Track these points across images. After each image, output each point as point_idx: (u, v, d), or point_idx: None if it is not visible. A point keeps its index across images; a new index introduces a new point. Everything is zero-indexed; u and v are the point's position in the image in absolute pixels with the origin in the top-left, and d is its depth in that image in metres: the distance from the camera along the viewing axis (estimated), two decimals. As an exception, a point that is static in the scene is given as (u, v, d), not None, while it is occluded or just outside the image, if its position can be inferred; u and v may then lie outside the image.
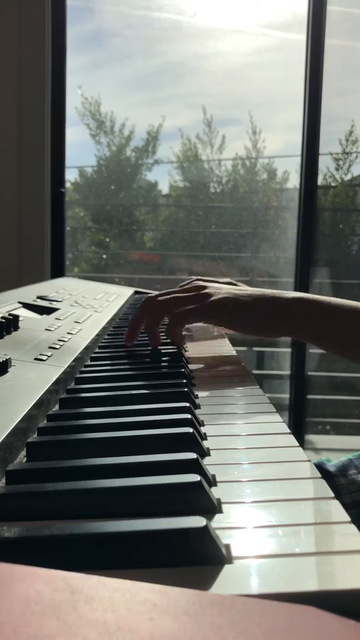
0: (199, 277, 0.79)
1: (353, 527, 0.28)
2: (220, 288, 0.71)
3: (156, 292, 0.75)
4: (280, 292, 0.68)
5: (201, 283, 0.74)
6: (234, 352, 0.77)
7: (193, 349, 0.78)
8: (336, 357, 0.72)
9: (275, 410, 0.50)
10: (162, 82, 2.40)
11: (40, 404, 0.44)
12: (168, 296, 0.71)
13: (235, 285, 0.89)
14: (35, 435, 0.41)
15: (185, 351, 0.75)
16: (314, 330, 0.67)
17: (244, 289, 0.71)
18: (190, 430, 0.39)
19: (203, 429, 0.44)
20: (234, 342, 0.85)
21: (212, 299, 0.68)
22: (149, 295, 0.74)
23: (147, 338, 0.71)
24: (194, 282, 0.76)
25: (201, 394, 0.55)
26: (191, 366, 0.67)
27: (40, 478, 0.34)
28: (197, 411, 0.48)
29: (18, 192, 1.84)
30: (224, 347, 0.80)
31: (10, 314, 0.65)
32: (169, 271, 2.36)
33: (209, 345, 0.83)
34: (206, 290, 0.70)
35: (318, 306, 0.66)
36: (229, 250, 2.29)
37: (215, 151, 2.33)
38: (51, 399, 0.48)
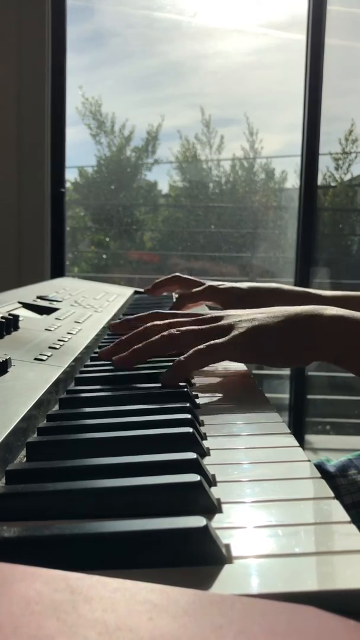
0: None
1: (353, 527, 0.28)
2: (239, 316, 0.58)
3: (166, 312, 0.65)
4: (315, 309, 0.56)
5: (216, 313, 0.61)
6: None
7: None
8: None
9: (275, 410, 0.50)
10: (162, 82, 2.40)
11: (40, 404, 0.44)
12: (182, 328, 0.58)
13: (236, 288, 0.83)
14: (35, 435, 0.41)
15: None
16: (348, 349, 0.54)
17: (268, 312, 0.58)
18: (190, 430, 0.39)
19: (203, 429, 0.44)
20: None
21: (237, 332, 0.55)
22: (156, 312, 0.64)
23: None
24: (201, 316, 0.62)
25: (201, 393, 0.55)
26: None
27: (40, 478, 0.34)
28: (197, 411, 0.48)
29: (18, 192, 1.84)
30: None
31: (10, 314, 0.65)
32: (169, 271, 2.36)
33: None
34: (220, 324, 0.58)
35: (356, 324, 0.54)
36: (228, 250, 2.29)
37: (214, 151, 2.33)
38: (51, 399, 0.48)
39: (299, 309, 0.56)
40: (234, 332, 0.55)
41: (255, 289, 0.84)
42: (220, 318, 0.59)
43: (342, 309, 0.55)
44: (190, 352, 0.55)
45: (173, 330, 0.57)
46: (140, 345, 0.58)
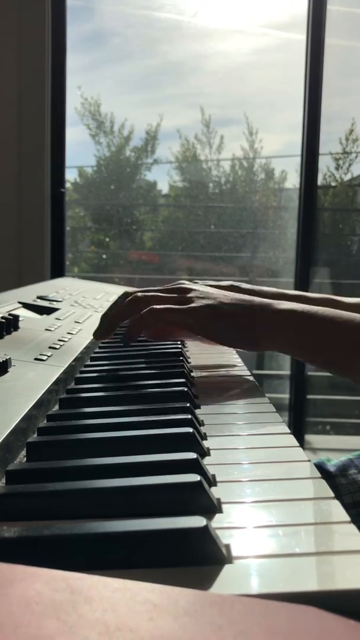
0: (183, 282, 0.73)
1: (353, 527, 0.28)
2: (206, 294, 0.63)
3: (136, 289, 0.69)
4: (273, 303, 0.61)
5: (186, 285, 0.67)
6: (234, 352, 0.77)
7: (192, 349, 0.78)
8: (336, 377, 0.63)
9: (275, 410, 0.50)
10: (162, 82, 2.40)
11: (40, 404, 0.44)
12: (148, 293, 0.64)
13: (236, 287, 0.83)
14: (35, 435, 0.41)
15: (186, 350, 0.75)
16: (308, 347, 0.59)
17: (232, 296, 0.63)
18: (190, 430, 0.39)
19: (203, 429, 0.44)
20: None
21: (194, 305, 0.60)
22: (127, 290, 0.68)
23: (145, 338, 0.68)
24: (180, 283, 0.68)
25: (201, 394, 0.55)
26: (191, 365, 0.67)
27: (40, 478, 0.34)
28: (197, 411, 0.48)
29: (18, 192, 1.84)
30: (223, 348, 0.80)
31: (10, 314, 0.65)
32: (169, 271, 2.36)
33: (208, 345, 0.83)
34: (190, 295, 0.63)
35: (314, 320, 0.58)
36: (228, 250, 2.29)
37: (214, 151, 2.33)
38: (51, 399, 0.48)
39: (256, 299, 0.62)
40: (193, 304, 0.61)
41: (257, 292, 0.84)
42: (188, 290, 0.64)
43: (298, 304, 0.61)
44: (146, 309, 0.61)
45: (141, 294, 0.65)
46: (131, 328, 0.64)
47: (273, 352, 0.64)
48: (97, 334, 0.66)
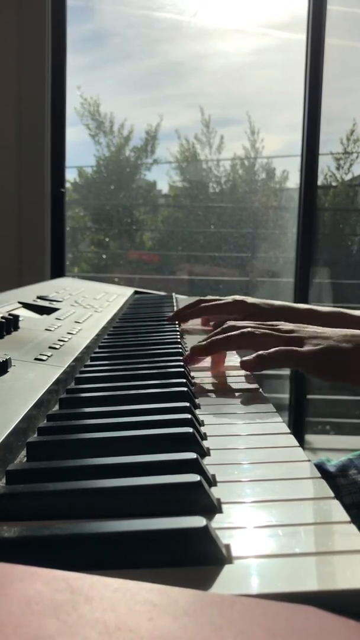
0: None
1: (353, 527, 0.28)
2: (313, 333, 0.61)
3: (245, 323, 0.66)
4: None
5: (287, 326, 0.64)
6: (234, 353, 0.77)
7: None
8: None
9: (275, 410, 0.50)
10: (162, 82, 2.40)
11: (40, 404, 0.44)
12: (256, 330, 0.62)
13: (240, 302, 0.83)
14: (35, 435, 0.41)
15: (186, 350, 0.75)
16: None
17: (338, 332, 0.61)
18: (190, 430, 0.39)
19: (203, 429, 0.44)
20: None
21: (311, 348, 0.58)
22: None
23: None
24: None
25: (200, 393, 0.55)
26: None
27: (40, 478, 0.34)
28: (197, 411, 0.48)
29: (18, 192, 1.84)
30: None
31: (10, 314, 0.65)
32: (169, 271, 2.36)
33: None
34: (298, 335, 0.61)
35: None
36: (229, 250, 2.29)
37: (214, 151, 2.33)
38: (51, 399, 0.48)
39: (357, 332, 0.60)
40: (310, 347, 0.58)
41: (288, 307, 0.84)
42: (296, 330, 0.62)
43: None
44: (273, 350, 0.58)
45: (252, 329, 0.62)
46: (219, 337, 0.63)
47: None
48: (190, 361, 0.65)
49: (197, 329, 0.91)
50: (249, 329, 0.63)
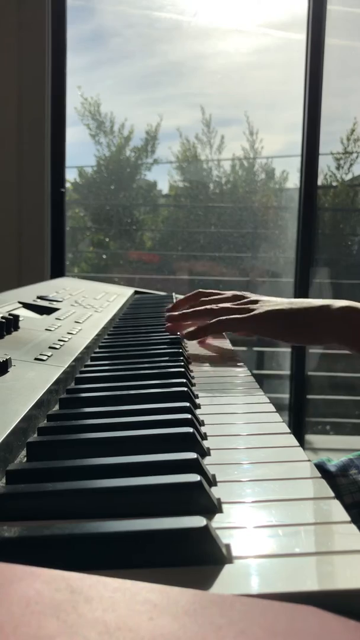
0: (246, 293, 0.83)
1: (353, 527, 0.28)
2: (270, 301, 0.74)
3: (209, 291, 0.83)
4: (327, 301, 0.69)
5: (249, 295, 0.78)
6: (235, 353, 0.77)
7: (192, 349, 0.78)
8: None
9: (275, 410, 0.50)
10: (162, 82, 2.40)
11: (40, 404, 0.44)
12: (220, 305, 0.76)
13: (240, 296, 0.94)
14: (36, 435, 0.41)
15: (186, 350, 0.75)
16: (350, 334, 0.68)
17: (289, 301, 0.73)
18: (191, 430, 0.39)
19: (203, 429, 0.44)
20: (235, 343, 0.84)
21: (257, 311, 0.71)
22: (202, 290, 0.82)
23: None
24: (242, 294, 0.80)
25: (201, 393, 0.55)
26: (191, 366, 0.67)
27: (40, 478, 0.34)
28: (197, 411, 0.48)
29: (18, 191, 1.84)
30: (224, 346, 0.80)
31: (10, 314, 0.65)
32: (169, 271, 2.36)
33: (209, 344, 0.83)
34: (255, 305, 0.73)
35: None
36: (229, 250, 2.29)
37: (215, 151, 2.33)
38: (51, 399, 0.48)
39: (317, 300, 0.71)
40: (257, 311, 0.71)
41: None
42: (254, 301, 0.75)
43: (355, 302, 0.68)
44: (214, 320, 0.73)
45: (213, 305, 0.77)
46: (188, 310, 0.80)
47: (279, 344, 0.76)
48: (170, 327, 0.78)
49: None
50: (209, 306, 0.77)
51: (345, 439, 2.45)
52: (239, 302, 0.77)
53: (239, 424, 0.46)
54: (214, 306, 0.76)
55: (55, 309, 0.82)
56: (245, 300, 0.77)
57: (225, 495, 0.32)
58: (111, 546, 0.25)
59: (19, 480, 0.34)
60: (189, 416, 0.42)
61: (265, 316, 0.70)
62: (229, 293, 0.90)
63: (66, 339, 0.65)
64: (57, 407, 0.49)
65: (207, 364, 0.69)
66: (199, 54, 2.25)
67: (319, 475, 0.35)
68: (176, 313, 0.79)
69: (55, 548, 0.26)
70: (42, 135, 1.85)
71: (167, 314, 0.81)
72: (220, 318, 0.72)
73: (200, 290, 0.85)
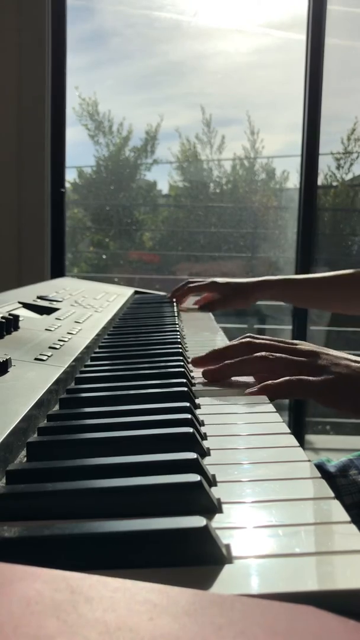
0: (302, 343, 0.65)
1: (353, 527, 0.28)
2: (329, 360, 0.58)
3: (260, 341, 0.63)
4: None
5: (306, 346, 0.62)
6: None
7: (192, 349, 0.78)
8: None
9: (275, 410, 0.50)
10: (162, 82, 2.40)
11: (40, 404, 0.44)
12: (275, 352, 0.59)
13: (214, 282, 1.04)
14: (36, 435, 0.41)
15: (186, 350, 0.75)
16: None
17: (355, 359, 0.59)
18: (191, 430, 0.39)
19: (203, 429, 0.44)
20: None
21: (323, 378, 0.55)
22: (252, 341, 0.63)
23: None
24: (296, 344, 0.62)
25: (201, 393, 0.55)
26: (191, 366, 0.67)
27: (40, 478, 0.34)
28: (197, 411, 0.48)
29: (18, 192, 1.84)
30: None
31: (10, 314, 0.65)
32: (169, 271, 2.36)
33: (207, 340, 0.83)
34: (319, 362, 0.58)
35: None
36: (229, 250, 2.29)
37: (215, 151, 2.33)
38: (51, 399, 0.48)
39: None
40: (326, 376, 0.55)
41: (245, 283, 1.13)
42: (315, 354, 0.59)
43: None
44: (281, 380, 0.55)
45: (266, 354, 0.59)
46: (232, 360, 0.60)
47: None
48: (197, 361, 0.64)
49: (191, 307, 1.17)
50: (263, 353, 0.59)
51: (345, 439, 2.45)
52: (284, 346, 0.62)
53: (239, 424, 0.46)
54: (269, 355, 0.59)
55: (55, 309, 0.82)
56: (304, 350, 0.61)
57: (225, 496, 0.32)
58: (111, 546, 0.25)
59: (19, 480, 0.34)
60: (189, 416, 0.42)
61: (339, 386, 0.55)
62: (208, 280, 1.13)
63: (66, 339, 0.65)
64: (57, 407, 0.49)
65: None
66: (199, 54, 2.25)
67: (319, 475, 0.35)
68: (215, 367, 0.61)
69: (55, 548, 0.26)
70: (42, 136, 1.85)
71: (203, 372, 0.62)
72: (292, 379, 0.55)
73: (189, 280, 0.80)
